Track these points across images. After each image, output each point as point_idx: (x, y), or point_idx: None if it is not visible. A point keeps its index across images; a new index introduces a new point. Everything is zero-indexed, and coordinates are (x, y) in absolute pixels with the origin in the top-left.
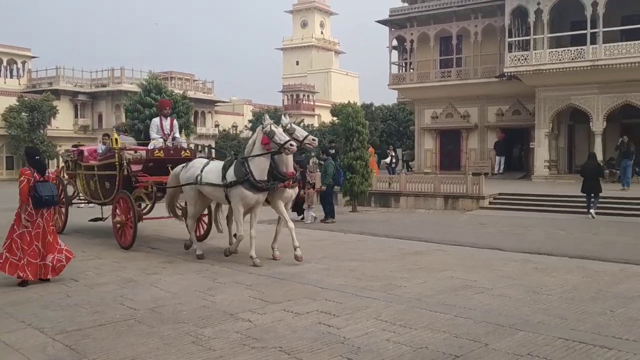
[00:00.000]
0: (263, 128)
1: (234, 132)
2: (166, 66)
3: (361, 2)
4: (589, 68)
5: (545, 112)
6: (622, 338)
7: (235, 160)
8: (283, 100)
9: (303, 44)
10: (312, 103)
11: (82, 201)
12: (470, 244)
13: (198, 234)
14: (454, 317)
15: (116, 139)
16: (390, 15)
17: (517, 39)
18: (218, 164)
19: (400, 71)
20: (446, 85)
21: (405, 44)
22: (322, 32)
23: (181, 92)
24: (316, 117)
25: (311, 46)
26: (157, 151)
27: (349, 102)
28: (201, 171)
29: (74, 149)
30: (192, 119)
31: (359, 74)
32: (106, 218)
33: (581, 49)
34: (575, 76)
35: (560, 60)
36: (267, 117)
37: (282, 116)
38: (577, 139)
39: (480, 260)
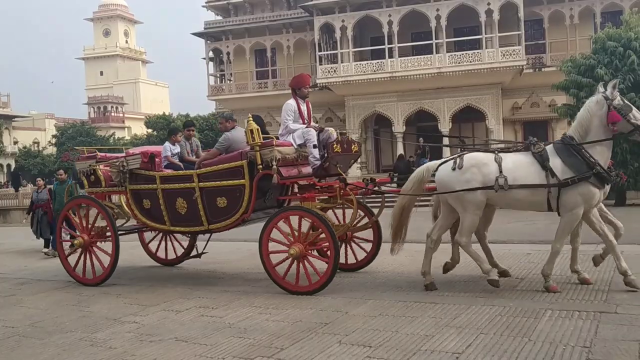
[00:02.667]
0: (609, 100)
1: (36, 148)
2: None
3: (173, 11)
4: (388, 79)
5: (355, 119)
6: (444, 294)
7: (544, 150)
8: (89, 113)
9: (107, 53)
10: (121, 115)
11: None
12: None
13: (348, 261)
14: (315, 297)
15: (257, 130)
16: (205, 28)
17: (326, 52)
18: (516, 157)
19: (218, 82)
20: (264, 96)
21: (221, 55)
22: (127, 42)
23: None
24: (126, 129)
25: (116, 55)
26: (335, 145)
27: (163, 113)
28: (500, 170)
29: (131, 153)
30: None
31: (174, 84)
32: (204, 253)
33: (381, 62)
34: (377, 86)
35: (364, 72)
36: (611, 85)
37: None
38: (382, 142)
39: None
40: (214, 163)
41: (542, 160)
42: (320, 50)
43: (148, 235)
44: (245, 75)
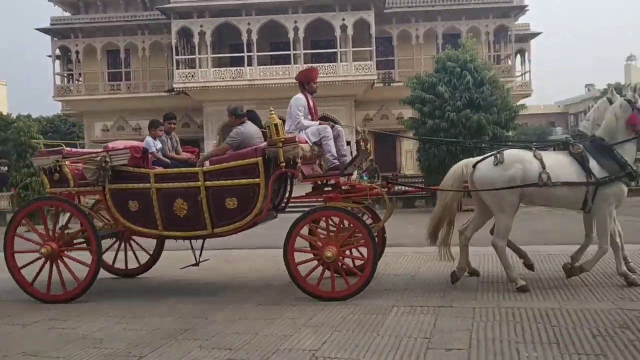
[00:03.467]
0: (632, 103)
1: None
2: None
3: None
4: (247, 86)
5: (212, 125)
6: (302, 296)
7: (583, 150)
8: None
9: None
10: None
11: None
12: None
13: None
14: (174, 304)
15: (280, 125)
16: (52, 24)
17: (183, 57)
18: (556, 156)
19: (66, 82)
20: (116, 98)
21: (70, 54)
22: None
23: None
24: None
25: None
26: (362, 143)
27: (0, 113)
28: (543, 166)
29: (115, 147)
30: None
31: (13, 83)
32: (203, 261)
33: (240, 69)
34: (236, 93)
35: (223, 78)
36: (635, 91)
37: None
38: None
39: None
40: (223, 160)
41: (582, 161)
42: (177, 54)
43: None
44: (96, 75)
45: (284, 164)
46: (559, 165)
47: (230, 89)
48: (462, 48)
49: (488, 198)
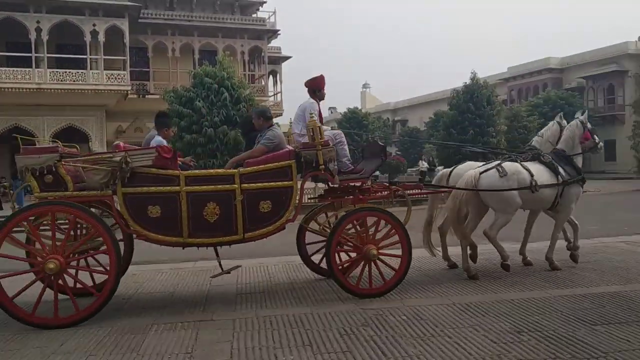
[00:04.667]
0: (584, 124)
1: None
2: None
3: None
4: None
5: None
6: None
7: (549, 159)
8: None
9: None
10: None
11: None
12: None
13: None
14: None
15: (320, 128)
16: None
17: None
18: (533, 165)
19: None
20: None
21: None
22: None
23: None
24: None
25: None
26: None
27: None
28: (532, 175)
29: (134, 148)
30: None
31: None
32: (235, 268)
33: None
34: None
35: None
36: (583, 115)
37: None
38: None
39: None
40: (259, 162)
41: (553, 167)
42: None
43: None
44: None
45: (323, 166)
46: (539, 172)
47: None
48: (219, 65)
49: (493, 201)
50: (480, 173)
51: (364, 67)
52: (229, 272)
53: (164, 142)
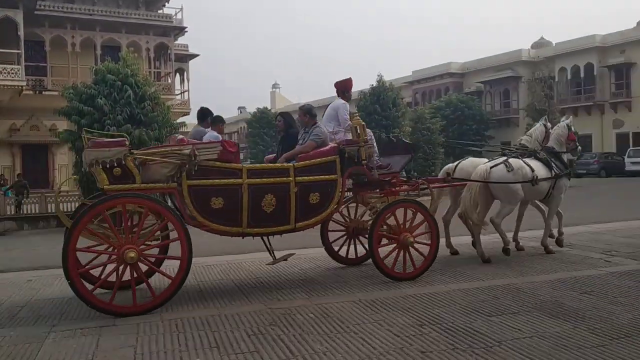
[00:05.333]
0: (569, 126)
1: None
2: None
3: None
4: None
5: None
6: None
7: (544, 156)
8: None
9: None
10: None
11: None
12: None
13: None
14: None
15: (363, 127)
16: None
17: None
18: (531, 161)
19: None
20: None
21: None
22: None
23: None
24: None
25: None
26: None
27: None
28: (532, 170)
29: (197, 141)
30: None
31: None
32: (290, 255)
33: None
34: None
35: None
36: (568, 118)
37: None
38: None
39: None
40: (309, 157)
41: (547, 162)
42: None
43: None
44: None
45: (365, 161)
46: (537, 167)
47: None
48: (122, 62)
49: (501, 192)
50: (491, 167)
51: (275, 69)
52: (286, 259)
53: (220, 137)
